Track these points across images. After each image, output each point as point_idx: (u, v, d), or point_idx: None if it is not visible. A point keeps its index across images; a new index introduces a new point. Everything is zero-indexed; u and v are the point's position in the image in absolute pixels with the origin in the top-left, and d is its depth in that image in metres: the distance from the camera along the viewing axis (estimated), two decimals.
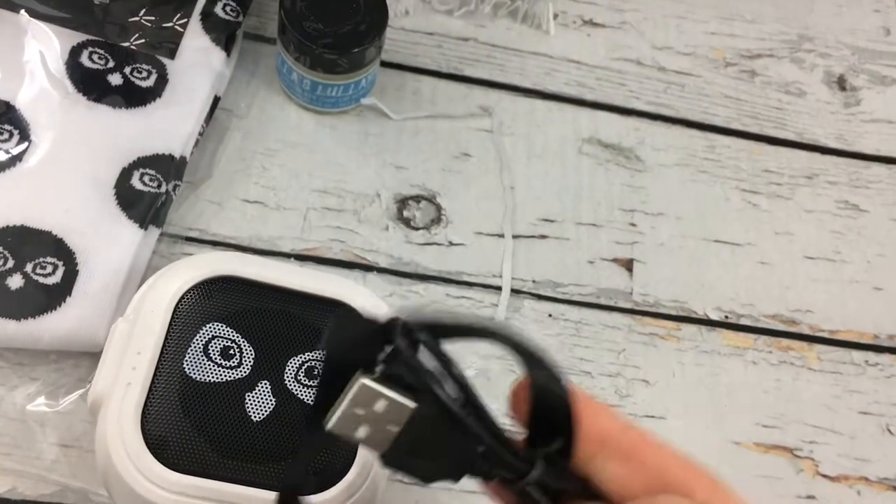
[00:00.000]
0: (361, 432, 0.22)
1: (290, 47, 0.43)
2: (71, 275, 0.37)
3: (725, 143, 0.50)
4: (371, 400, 0.22)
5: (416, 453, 0.23)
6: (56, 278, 0.37)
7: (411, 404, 0.22)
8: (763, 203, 0.49)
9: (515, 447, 0.23)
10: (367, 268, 0.43)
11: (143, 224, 0.39)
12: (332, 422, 0.22)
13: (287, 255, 0.42)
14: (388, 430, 0.22)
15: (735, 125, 0.51)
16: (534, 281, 0.44)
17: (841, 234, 0.49)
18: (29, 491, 0.35)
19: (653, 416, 0.43)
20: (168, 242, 0.41)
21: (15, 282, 0.36)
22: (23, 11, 0.41)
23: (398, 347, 0.21)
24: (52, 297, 0.36)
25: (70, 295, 0.36)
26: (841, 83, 0.54)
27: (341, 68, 0.43)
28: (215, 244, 0.42)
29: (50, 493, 0.35)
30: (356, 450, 0.33)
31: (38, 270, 0.37)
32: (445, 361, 0.22)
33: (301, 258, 0.42)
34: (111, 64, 0.41)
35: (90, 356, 0.37)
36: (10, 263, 0.36)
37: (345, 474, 0.32)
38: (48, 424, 0.36)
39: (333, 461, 0.32)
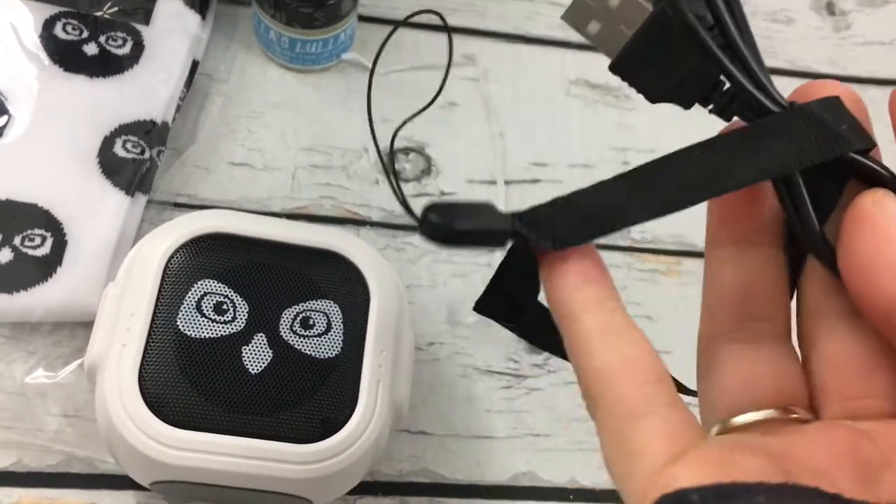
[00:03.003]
0: (593, 28, 0.21)
1: (265, 5, 0.42)
2: (60, 245, 0.36)
3: None
4: None
5: (647, 62, 0.21)
6: (45, 250, 0.36)
7: (649, 5, 0.20)
8: None
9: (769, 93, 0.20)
10: (360, 222, 0.42)
11: (129, 191, 0.38)
12: (567, 12, 0.21)
13: (278, 215, 0.42)
14: (620, 32, 0.21)
15: None
16: None
17: None
18: (34, 462, 0.35)
19: (659, 352, 0.42)
20: (157, 209, 0.40)
21: (4, 255, 0.36)
22: None
23: None
24: (42, 269, 0.36)
25: (60, 265, 0.36)
26: (829, 8, 0.53)
27: (318, 22, 0.42)
28: (204, 208, 0.41)
29: (55, 464, 0.35)
30: (357, 398, 0.32)
31: (27, 243, 0.36)
32: None
33: (293, 217, 0.42)
34: (85, 34, 0.41)
35: (85, 326, 0.36)
36: None
37: (347, 422, 0.32)
38: (49, 396, 0.36)
39: (336, 409, 0.32)
